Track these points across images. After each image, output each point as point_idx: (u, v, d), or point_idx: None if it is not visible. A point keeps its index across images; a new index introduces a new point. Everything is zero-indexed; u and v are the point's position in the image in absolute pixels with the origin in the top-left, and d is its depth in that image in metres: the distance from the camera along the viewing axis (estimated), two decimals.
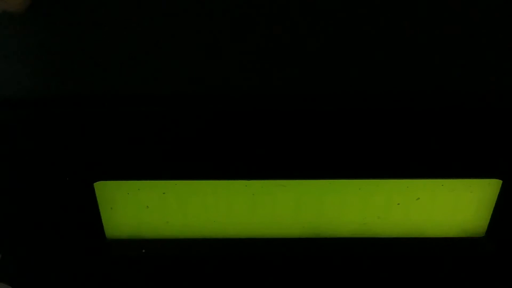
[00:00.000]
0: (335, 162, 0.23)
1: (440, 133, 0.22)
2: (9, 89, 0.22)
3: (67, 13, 0.26)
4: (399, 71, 0.23)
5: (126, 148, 0.23)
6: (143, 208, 0.26)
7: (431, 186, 0.25)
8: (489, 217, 0.26)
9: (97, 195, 0.25)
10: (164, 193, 0.26)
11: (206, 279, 0.28)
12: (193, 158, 0.23)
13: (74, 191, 0.24)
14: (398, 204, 0.26)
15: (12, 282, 0.28)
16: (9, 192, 0.24)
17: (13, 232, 0.26)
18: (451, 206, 0.26)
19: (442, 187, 0.25)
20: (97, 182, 0.24)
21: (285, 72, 0.23)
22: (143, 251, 0.27)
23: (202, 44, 0.24)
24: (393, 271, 0.28)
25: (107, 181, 0.25)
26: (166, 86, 0.22)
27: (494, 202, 0.26)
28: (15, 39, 0.25)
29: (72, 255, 0.27)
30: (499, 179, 0.24)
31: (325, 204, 0.26)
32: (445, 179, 0.25)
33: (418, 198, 0.26)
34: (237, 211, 0.26)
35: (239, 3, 0.27)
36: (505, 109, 0.22)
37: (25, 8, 0.26)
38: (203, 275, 0.28)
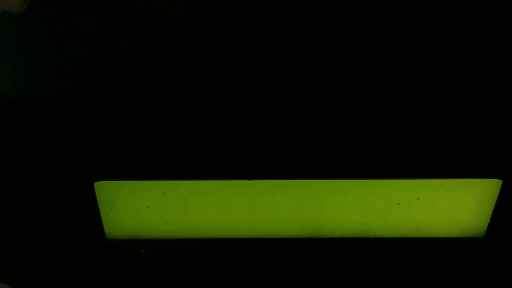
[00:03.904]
0: (335, 162, 0.23)
1: (440, 133, 0.22)
2: (9, 89, 0.22)
3: (67, 13, 0.26)
4: (399, 71, 0.23)
5: (126, 148, 0.23)
6: (143, 208, 0.26)
7: (431, 186, 0.25)
8: (489, 217, 0.26)
9: (97, 195, 0.25)
10: (164, 193, 0.26)
11: (206, 279, 0.28)
12: (193, 158, 0.23)
13: (74, 191, 0.24)
14: (398, 204, 0.26)
15: (12, 282, 0.28)
16: (9, 192, 0.24)
17: (13, 232, 0.26)
18: (451, 206, 0.26)
19: (442, 187, 0.25)
20: (97, 182, 0.24)
21: (285, 72, 0.23)
22: (143, 251, 0.27)
23: (202, 44, 0.24)
24: (393, 271, 0.28)
25: (107, 181, 0.25)
26: (166, 86, 0.22)
27: (494, 202, 0.26)
28: (15, 39, 0.25)
29: (72, 255, 0.27)
30: (499, 179, 0.24)
31: (325, 204, 0.26)
32: (445, 179, 0.25)
33: (418, 198, 0.26)
34: (237, 211, 0.26)
35: (238, 3, 0.27)
36: (505, 109, 0.22)
37: (25, 8, 0.26)
38: (203, 275, 0.28)
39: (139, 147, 0.23)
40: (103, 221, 0.26)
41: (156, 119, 0.22)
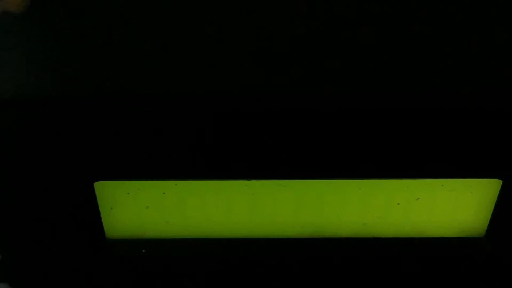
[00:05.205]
0: (335, 162, 0.23)
1: (440, 133, 0.22)
2: (9, 89, 0.22)
3: (67, 13, 0.26)
4: (399, 71, 0.23)
5: (126, 148, 0.23)
6: (143, 208, 0.26)
7: (431, 186, 0.25)
8: (489, 217, 0.26)
9: (97, 195, 0.25)
10: (164, 193, 0.26)
11: (206, 279, 0.28)
12: (193, 158, 0.23)
13: (74, 191, 0.24)
14: (398, 204, 0.26)
15: (12, 282, 0.28)
16: (9, 192, 0.24)
17: (13, 232, 0.26)
18: (451, 206, 0.26)
19: (442, 187, 0.25)
20: (97, 182, 0.24)
21: (285, 72, 0.23)
22: (143, 251, 0.27)
23: (202, 44, 0.24)
24: (393, 271, 0.28)
25: (107, 181, 0.25)
26: (166, 86, 0.22)
27: (494, 202, 0.26)
28: (15, 39, 0.25)
29: (72, 255, 0.27)
30: (499, 179, 0.24)
31: (325, 204, 0.26)
32: (445, 179, 0.25)
33: (418, 198, 0.26)
34: (237, 211, 0.26)
35: (239, 3, 0.27)
36: (505, 109, 0.22)
37: (25, 8, 0.26)
38: (203, 275, 0.28)
39: (139, 147, 0.23)
40: (103, 221, 0.26)
41: (156, 119, 0.22)
